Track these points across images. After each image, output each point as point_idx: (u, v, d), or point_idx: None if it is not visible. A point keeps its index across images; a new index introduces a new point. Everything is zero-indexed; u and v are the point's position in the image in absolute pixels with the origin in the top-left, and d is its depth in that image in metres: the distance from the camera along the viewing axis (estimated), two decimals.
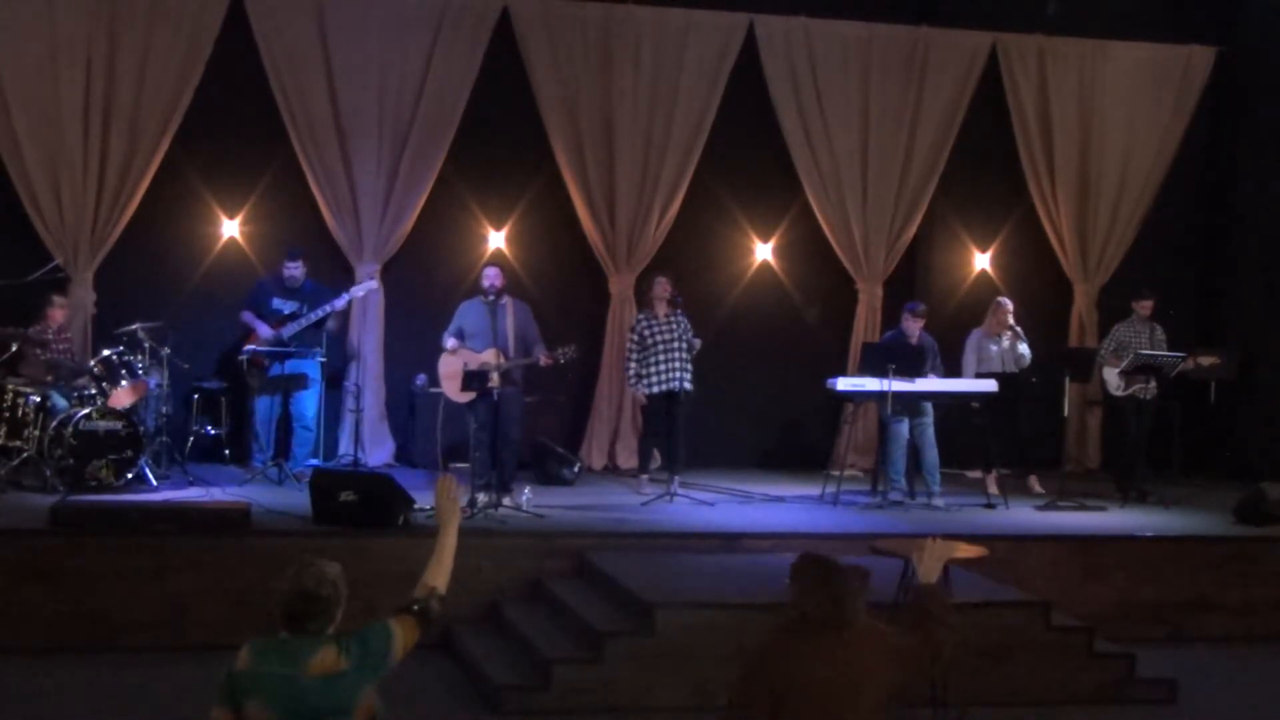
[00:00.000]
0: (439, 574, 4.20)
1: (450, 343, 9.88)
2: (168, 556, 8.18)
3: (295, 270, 10.83)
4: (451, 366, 9.86)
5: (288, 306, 10.76)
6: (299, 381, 10.66)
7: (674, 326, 10.36)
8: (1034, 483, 11.26)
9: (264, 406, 10.79)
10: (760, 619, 7.42)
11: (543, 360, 9.73)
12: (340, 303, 10.74)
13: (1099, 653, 7.96)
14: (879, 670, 4.12)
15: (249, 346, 10.58)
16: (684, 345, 10.32)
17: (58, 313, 10.30)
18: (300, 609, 3.86)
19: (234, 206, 11.60)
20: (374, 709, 3.97)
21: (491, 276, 9.98)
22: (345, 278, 11.42)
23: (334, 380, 11.44)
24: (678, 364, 10.28)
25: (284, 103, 11.34)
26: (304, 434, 10.87)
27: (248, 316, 10.80)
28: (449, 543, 4.26)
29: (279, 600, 3.89)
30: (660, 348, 10.30)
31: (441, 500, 4.32)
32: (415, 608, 4.10)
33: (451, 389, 9.84)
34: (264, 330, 10.68)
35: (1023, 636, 7.84)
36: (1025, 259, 13.05)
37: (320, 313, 10.63)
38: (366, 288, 11.08)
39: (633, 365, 10.41)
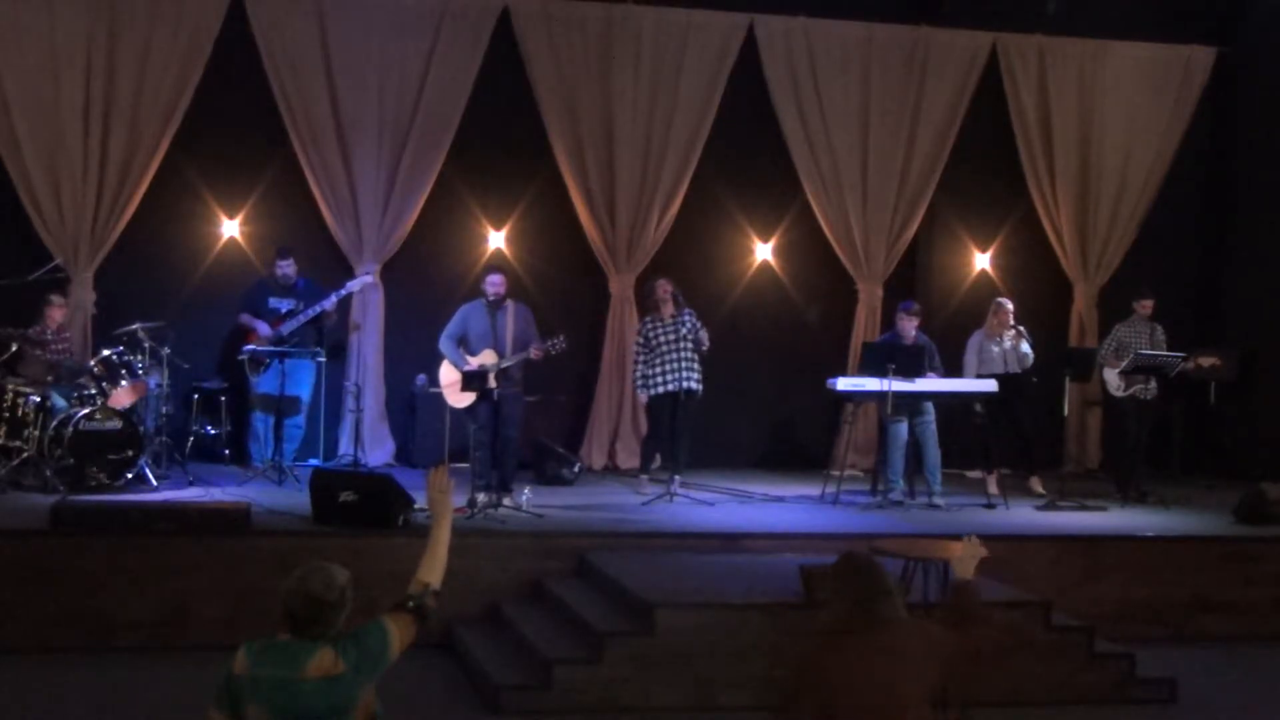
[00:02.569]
0: (433, 569, 4.16)
1: (469, 363, 9.82)
2: (168, 556, 8.17)
3: (288, 269, 10.89)
4: (452, 375, 9.85)
5: (284, 305, 10.82)
6: (291, 405, 10.76)
7: (680, 327, 10.36)
8: (1034, 483, 11.26)
9: (258, 419, 10.88)
10: (759, 618, 7.50)
11: (534, 353, 9.72)
12: (332, 300, 10.71)
13: (1099, 653, 7.94)
14: (922, 668, 4.13)
15: (249, 346, 10.59)
16: (690, 345, 10.32)
17: (56, 312, 10.30)
18: (306, 612, 3.83)
19: (234, 206, 11.61)
20: (373, 709, 3.95)
21: (495, 285, 9.89)
22: (345, 278, 11.37)
23: (333, 380, 11.45)
24: (683, 364, 10.28)
25: (284, 103, 11.35)
26: (294, 430, 10.94)
27: (246, 317, 10.83)
28: (442, 536, 4.21)
29: (284, 601, 3.84)
30: (665, 349, 10.31)
31: (433, 494, 4.29)
32: (410, 604, 4.07)
33: (453, 395, 9.82)
34: (263, 329, 10.72)
35: (1023, 636, 7.83)
36: (1025, 259, 13.05)
37: (316, 309, 10.68)
38: (362, 281, 11.10)
39: (639, 368, 10.43)
